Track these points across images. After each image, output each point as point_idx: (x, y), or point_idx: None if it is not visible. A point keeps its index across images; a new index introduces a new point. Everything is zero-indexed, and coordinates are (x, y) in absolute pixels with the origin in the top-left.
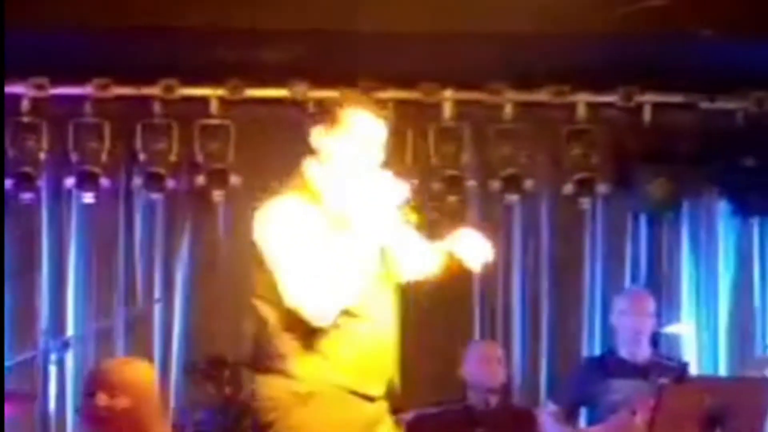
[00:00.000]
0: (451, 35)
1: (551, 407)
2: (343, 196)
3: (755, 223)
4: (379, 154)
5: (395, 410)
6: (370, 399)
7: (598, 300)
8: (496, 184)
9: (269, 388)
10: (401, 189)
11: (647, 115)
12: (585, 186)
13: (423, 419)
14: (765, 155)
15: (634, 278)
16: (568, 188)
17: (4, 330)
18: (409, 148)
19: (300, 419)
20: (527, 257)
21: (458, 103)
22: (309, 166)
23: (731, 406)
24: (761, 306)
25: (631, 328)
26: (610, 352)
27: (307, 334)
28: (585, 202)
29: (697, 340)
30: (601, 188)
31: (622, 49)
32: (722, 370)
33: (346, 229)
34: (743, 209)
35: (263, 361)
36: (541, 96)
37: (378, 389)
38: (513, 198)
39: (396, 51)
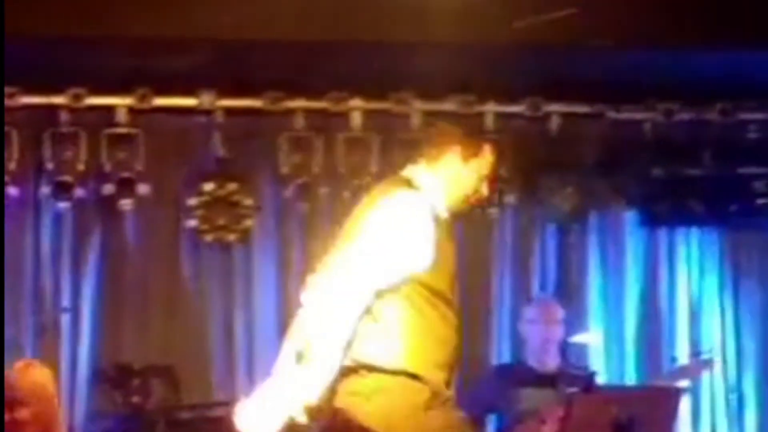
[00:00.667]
0: (359, 44)
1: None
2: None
3: (663, 233)
4: None
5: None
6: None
7: (507, 309)
8: None
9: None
10: None
11: (554, 125)
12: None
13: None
14: (672, 165)
15: (543, 287)
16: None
17: (3, 329)
18: (318, 157)
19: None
20: None
21: (366, 113)
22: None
23: (639, 415)
24: (668, 316)
25: (539, 337)
26: (518, 360)
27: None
28: (493, 212)
29: (605, 350)
30: (509, 198)
31: (528, 59)
32: (630, 380)
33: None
34: (651, 219)
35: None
36: (448, 106)
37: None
38: None
39: (304, 60)
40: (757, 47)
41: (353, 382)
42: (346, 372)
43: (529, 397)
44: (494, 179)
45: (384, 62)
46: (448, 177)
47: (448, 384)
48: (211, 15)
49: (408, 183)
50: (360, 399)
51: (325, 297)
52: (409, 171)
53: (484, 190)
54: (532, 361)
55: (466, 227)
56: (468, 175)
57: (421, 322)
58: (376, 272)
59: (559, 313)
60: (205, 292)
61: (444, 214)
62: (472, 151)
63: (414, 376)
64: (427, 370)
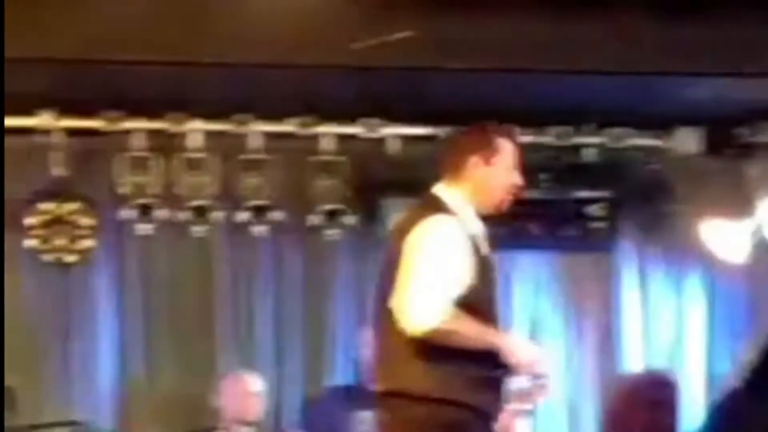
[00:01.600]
0: (199, 65)
1: None
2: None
3: (501, 255)
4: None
5: None
6: None
7: (346, 331)
8: (243, 215)
9: None
10: None
11: (393, 146)
12: (332, 218)
13: None
14: None
15: None
16: (315, 219)
17: (3, 330)
18: (156, 177)
19: None
20: (275, 288)
21: (205, 133)
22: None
23: None
24: None
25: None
26: (356, 382)
27: None
28: (332, 234)
29: None
30: (349, 220)
31: (366, 81)
32: None
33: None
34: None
35: None
36: (287, 127)
37: None
38: (260, 229)
39: (143, 81)
40: (594, 72)
41: None
42: None
43: (366, 419)
44: (520, 161)
45: (224, 84)
46: (478, 185)
47: None
48: (51, 35)
49: (438, 205)
50: None
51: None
52: (438, 191)
53: (517, 179)
54: (368, 385)
55: (307, 249)
56: (498, 173)
57: None
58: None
59: None
60: (45, 312)
61: (474, 230)
62: (491, 151)
63: None
64: None
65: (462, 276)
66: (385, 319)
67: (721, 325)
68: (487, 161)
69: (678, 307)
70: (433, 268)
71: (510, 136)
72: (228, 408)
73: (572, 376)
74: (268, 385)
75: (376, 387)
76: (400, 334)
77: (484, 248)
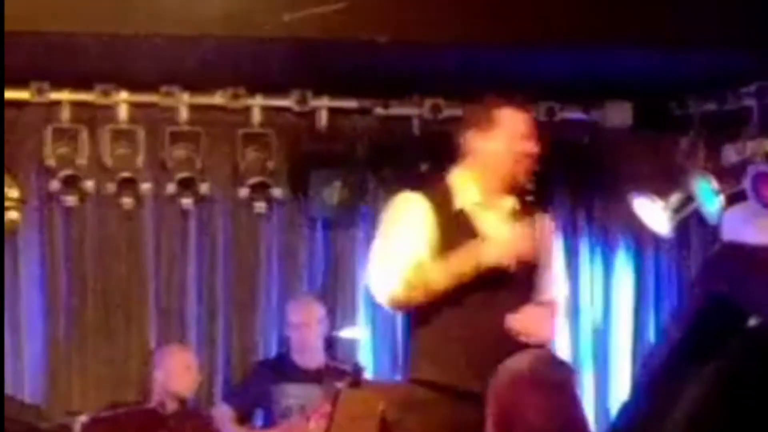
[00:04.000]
0: (128, 37)
1: (225, 409)
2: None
3: None
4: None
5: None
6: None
7: (275, 304)
8: (171, 188)
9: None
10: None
11: (322, 119)
12: (260, 190)
13: (99, 422)
14: (439, 161)
15: (311, 282)
16: (244, 192)
17: (3, 330)
18: (83, 148)
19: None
20: (203, 261)
21: (133, 105)
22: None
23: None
24: None
25: (299, 338)
26: (284, 355)
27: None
28: (261, 207)
29: (373, 345)
30: (277, 192)
31: (297, 53)
32: (399, 375)
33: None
34: None
35: None
36: (216, 99)
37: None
38: (188, 201)
39: (71, 53)
40: (523, 44)
41: None
42: None
43: (294, 393)
44: (528, 130)
45: (152, 55)
46: (479, 160)
47: None
48: None
49: (436, 184)
50: None
51: None
52: (451, 171)
53: (527, 147)
54: (296, 359)
55: (234, 222)
56: (498, 146)
57: None
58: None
59: (319, 312)
60: None
61: (461, 204)
62: (488, 124)
63: None
64: None
65: (413, 247)
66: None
67: (649, 298)
68: (484, 135)
69: (606, 281)
70: (382, 242)
71: (513, 105)
72: (160, 381)
73: None
74: (199, 359)
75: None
76: None
77: (487, 223)
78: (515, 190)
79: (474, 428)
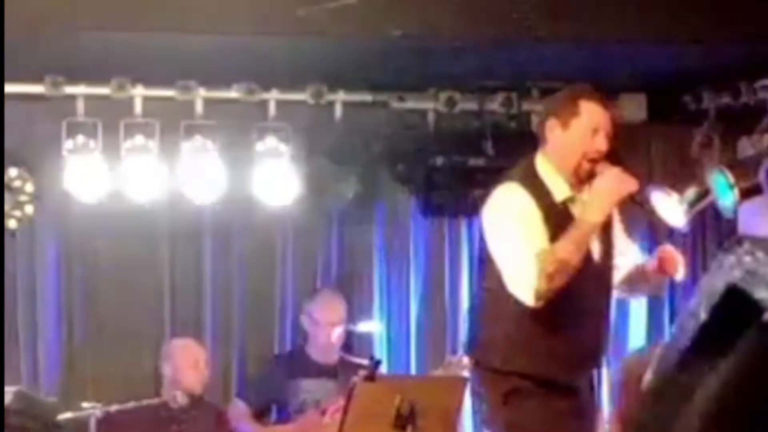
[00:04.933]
0: (145, 32)
1: (240, 405)
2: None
3: (444, 222)
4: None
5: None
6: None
7: (290, 299)
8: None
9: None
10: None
11: (338, 113)
12: (276, 184)
13: (113, 416)
14: (453, 155)
15: (326, 276)
16: (260, 186)
17: (3, 330)
18: (100, 142)
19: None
20: (218, 256)
21: (148, 99)
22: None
23: (422, 405)
24: (451, 306)
25: (325, 338)
26: (300, 350)
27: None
28: (276, 201)
29: (388, 339)
30: (292, 187)
31: (312, 48)
32: (413, 369)
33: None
34: (434, 209)
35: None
36: (232, 94)
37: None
38: (203, 194)
39: (87, 47)
40: (539, 40)
41: None
42: None
43: (310, 387)
44: (609, 128)
45: (167, 49)
46: (555, 150)
47: None
48: None
49: (520, 171)
50: None
51: None
52: (536, 156)
53: (600, 144)
54: (312, 354)
55: (252, 218)
56: (575, 137)
57: None
58: None
59: (342, 311)
60: None
61: (557, 197)
62: (567, 114)
63: None
64: None
65: (537, 240)
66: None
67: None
68: (564, 124)
69: None
70: (508, 245)
71: (597, 99)
72: (169, 375)
73: None
74: (214, 354)
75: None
76: None
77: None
78: (581, 184)
79: (569, 418)
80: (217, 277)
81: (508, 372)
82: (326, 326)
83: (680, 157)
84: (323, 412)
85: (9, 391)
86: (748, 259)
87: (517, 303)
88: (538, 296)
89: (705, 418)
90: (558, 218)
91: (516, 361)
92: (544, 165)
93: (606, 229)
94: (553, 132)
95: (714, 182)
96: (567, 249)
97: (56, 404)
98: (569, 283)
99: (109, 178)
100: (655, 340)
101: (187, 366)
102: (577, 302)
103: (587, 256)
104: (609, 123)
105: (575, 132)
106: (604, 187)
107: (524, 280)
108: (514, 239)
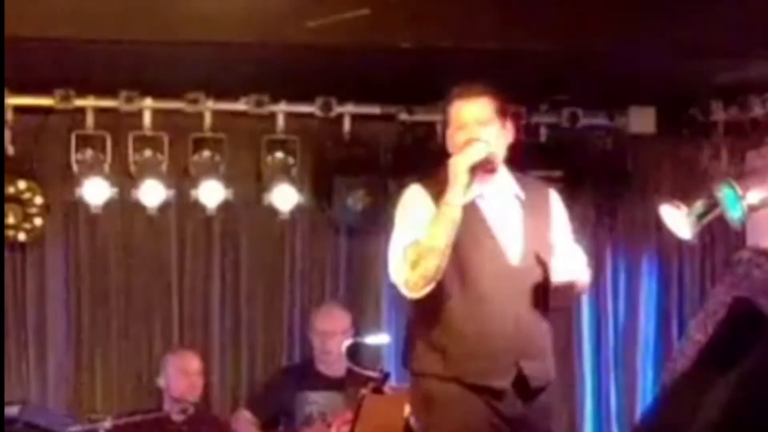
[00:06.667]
0: (151, 44)
1: (247, 416)
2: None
3: None
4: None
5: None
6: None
7: (298, 311)
8: (195, 194)
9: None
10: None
11: (347, 125)
12: (284, 196)
13: (121, 428)
14: None
15: (334, 288)
16: (268, 198)
17: (4, 330)
18: (108, 155)
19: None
20: (227, 267)
21: (157, 112)
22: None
23: None
24: None
25: (324, 347)
26: (307, 362)
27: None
28: (284, 213)
29: (397, 350)
30: (300, 199)
31: (321, 59)
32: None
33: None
34: None
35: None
36: (240, 106)
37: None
38: (212, 208)
39: (95, 59)
40: (554, 50)
41: None
42: None
43: (316, 400)
44: (465, 118)
45: (176, 62)
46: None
47: None
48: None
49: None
50: None
51: None
52: None
53: (463, 136)
54: (319, 366)
55: (258, 228)
56: (451, 137)
57: None
58: None
59: (345, 322)
60: None
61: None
62: (447, 117)
63: None
64: None
65: (414, 231)
66: None
67: (673, 304)
68: (447, 131)
69: (630, 287)
70: (392, 237)
71: (456, 95)
72: (164, 388)
73: None
74: (222, 364)
75: None
76: None
77: (486, 210)
78: (486, 176)
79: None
80: (226, 289)
81: (425, 375)
82: (324, 335)
83: (689, 169)
84: (329, 425)
85: (18, 403)
86: (756, 272)
87: (427, 306)
88: (407, 285)
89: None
90: (466, 216)
91: (432, 365)
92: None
93: (535, 231)
94: (445, 138)
95: (722, 195)
96: (430, 233)
97: (65, 416)
98: (479, 282)
99: (118, 189)
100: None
101: (177, 374)
102: (489, 303)
103: (499, 257)
104: (468, 114)
105: (449, 133)
106: (451, 162)
107: (395, 269)
108: (394, 234)
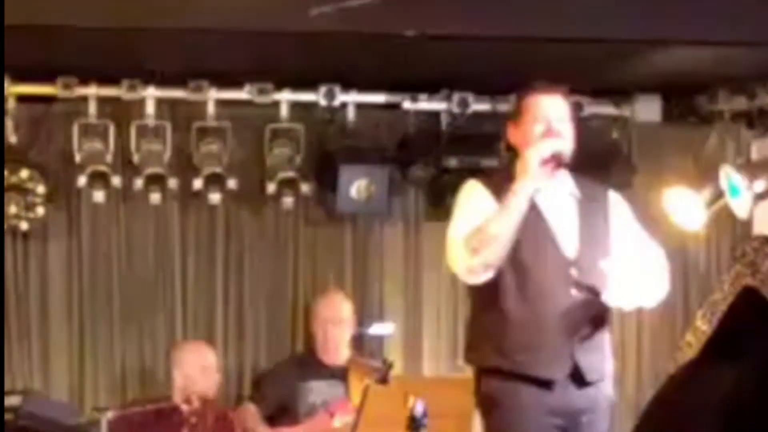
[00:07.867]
0: (154, 31)
1: (252, 409)
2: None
3: None
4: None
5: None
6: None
7: (302, 301)
8: (198, 183)
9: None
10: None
11: (350, 114)
12: (288, 186)
13: (125, 419)
14: (466, 156)
15: (338, 278)
16: (272, 188)
17: (4, 330)
18: (109, 144)
19: None
20: (230, 257)
21: (160, 101)
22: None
23: (436, 407)
24: (463, 307)
25: (326, 336)
26: (310, 352)
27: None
28: (288, 202)
29: (402, 341)
30: (305, 188)
31: (324, 48)
32: (426, 371)
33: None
34: (445, 210)
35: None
36: (244, 94)
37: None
38: (215, 197)
39: (97, 47)
40: (551, 40)
41: None
42: None
43: (319, 390)
44: (546, 112)
45: (179, 50)
46: (519, 150)
47: None
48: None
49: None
50: None
51: None
52: None
53: (539, 129)
54: (322, 356)
55: (261, 217)
56: (524, 132)
57: None
58: None
59: (347, 310)
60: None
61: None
62: (517, 113)
63: None
64: None
65: (473, 222)
66: None
67: (678, 293)
68: (516, 124)
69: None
70: (450, 228)
71: (535, 89)
72: (179, 381)
73: None
74: (226, 356)
75: None
76: None
77: (543, 205)
78: (555, 171)
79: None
80: (230, 279)
81: (485, 370)
82: (326, 323)
83: (694, 158)
84: (332, 414)
85: (20, 393)
86: (763, 262)
87: (485, 298)
88: (469, 271)
89: (720, 415)
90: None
91: (489, 357)
92: (515, 164)
93: (590, 229)
94: (511, 134)
95: (728, 184)
96: (495, 221)
97: (67, 407)
98: (535, 274)
99: (121, 178)
100: None
101: (197, 373)
102: (544, 296)
103: (552, 248)
104: (549, 109)
105: (524, 129)
106: (525, 155)
107: (455, 258)
108: (452, 224)
